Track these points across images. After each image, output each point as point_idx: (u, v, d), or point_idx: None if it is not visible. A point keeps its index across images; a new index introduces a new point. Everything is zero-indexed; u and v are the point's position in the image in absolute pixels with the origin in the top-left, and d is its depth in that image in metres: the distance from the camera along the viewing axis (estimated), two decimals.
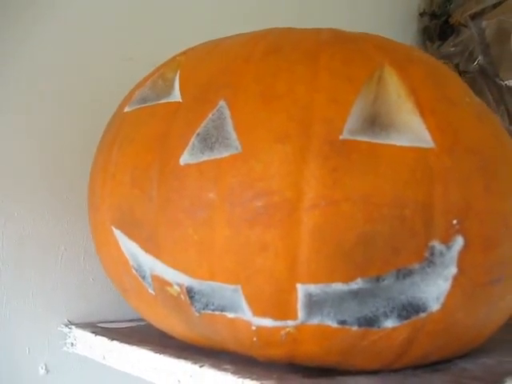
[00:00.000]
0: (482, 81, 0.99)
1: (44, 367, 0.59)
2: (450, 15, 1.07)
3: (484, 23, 1.02)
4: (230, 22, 0.75)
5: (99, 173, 0.46)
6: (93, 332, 0.57)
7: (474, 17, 1.04)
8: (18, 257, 0.57)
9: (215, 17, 0.74)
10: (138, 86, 0.48)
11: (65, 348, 0.59)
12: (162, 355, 0.47)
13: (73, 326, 0.59)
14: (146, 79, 0.48)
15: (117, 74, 0.64)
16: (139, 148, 0.41)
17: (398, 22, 1.07)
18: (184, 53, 0.47)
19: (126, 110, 0.46)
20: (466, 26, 1.05)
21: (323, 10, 0.88)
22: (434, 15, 1.11)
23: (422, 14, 1.13)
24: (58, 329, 0.60)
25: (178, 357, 0.46)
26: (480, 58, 1.01)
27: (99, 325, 0.61)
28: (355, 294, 0.36)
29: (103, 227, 0.45)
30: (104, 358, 0.54)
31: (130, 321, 0.62)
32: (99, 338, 0.55)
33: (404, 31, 1.06)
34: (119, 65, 0.65)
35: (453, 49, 1.04)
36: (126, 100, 0.48)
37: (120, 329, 0.59)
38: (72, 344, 0.59)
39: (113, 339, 0.54)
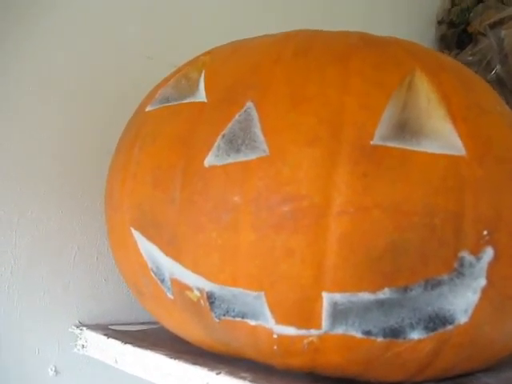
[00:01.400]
0: (499, 91, 0.98)
1: (54, 369, 0.58)
2: (469, 24, 1.07)
3: (503, 33, 1.02)
4: (249, 23, 0.74)
5: (119, 172, 0.45)
6: (105, 334, 0.56)
7: (492, 26, 1.03)
8: (30, 255, 0.56)
9: (235, 17, 0.73)
10: (160, 85, 0.47)
11: (75, 350, 0.58)
12: (177, 360, 0.46)
13: (84, 328, 0.58)
14: (168, 78, 0.47)
15: (135, 74, 0.64)
16: (162, 148, 0.41)
17: (416, 29, 1.06)
18: (208, 52, 0.46)
19: (148, 109, 0.45)
20: (484, 35, 1.04)
21: (339, 17, 0.88)
22: (452, 23, 1.11)
23: (440, 22, 1.12)
24: (69, 330, 0.59)
25: (194, 363, 0.45)
26: (498, 67, 1.00)
27: (111, 327, 0.60)
28: (381, 304, 0.35)
29: (121, 228, 0.44)
30: (116, 361, 0.53)
31: (142, 324, 0.61)
32: (112, 340, 0.54)
33: (422, 39, 1.05)
34: (138, 64, 0.65)
35: (470, 58, 1.03)
36: (148, 99, 0.47)
37: (132, 332, 0.59)
38: (83, 346, 0.58)
39: (126, 342, 0.53)
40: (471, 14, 1.09)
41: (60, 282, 0.59)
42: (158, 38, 0.66)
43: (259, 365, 0.42)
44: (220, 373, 0.42)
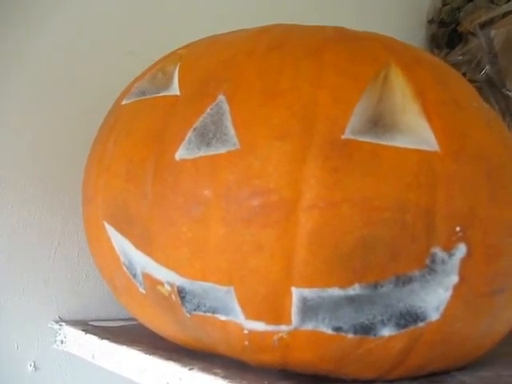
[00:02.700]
0: (488, 91, 0.98)
1: (33, 364, 0.58)
2: (459, 23, 1.06)
3: (493, 32, 1.01)
4: (233, 17, 0.73)
5: (94, 166, 0.45)
6: (83, 330, 0.56)
7: (483, 25, 1.02)
8: (9, 250, 0.56)
9: (217, 12, 0.72)
10: (138, 78, 0.47)
11: (54, 345, 0.58)
12: (151, 356, 0.46)
13: (63, 323, 0.58)
14: (145, 72, 0.46)
15: (116, 68, 0.63)
16: (135, 141, 0.40)
17: (406, 28, 1.05)
18: (186, 46, 0.46)
19: (124, 102, 0.45)
20: (474, 35, 1.04)
21: (329, 15, 0.87)
22: (442, 23, 1.11)
23: (430, 22, 1.12)
24: (49, 325, 0.58)
25: (168, 358, 0.45)
26: (487, 67, 1.00)
27: (91, 323, 0.60)
28: (352, 300, 0.35)
29: (95, 222, 0.44)
30: (93, 356, 0.53)
31: (123, 320, 0.61)
32: (89, 336, 0.54)
33: (412, 38, 1.05)
34: (119, 58, 0.64)
35: (460, 57, 1.03)
36: (125, 92, 0.46)
37: (111, 327, 0.58)
38: (62, 341, 0.58)
39: (103, 338, 0.52)
40: (461, 14, 1.09)
41: (40, 278, 0.58)
42: (138, 33, 0.66)
43: (234, 361, 0.42)
44: (192, 368, 0.42)
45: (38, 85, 0.58)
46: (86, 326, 0.57)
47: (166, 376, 0.44)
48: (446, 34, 1.11)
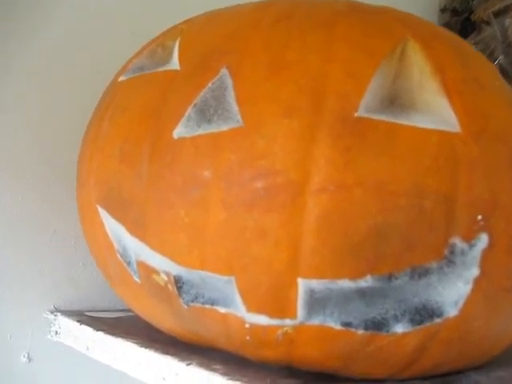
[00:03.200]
0: None
1: (27, 355, 0.56)
2: (472, 12, 1.04)
3: (507, 21, 0.99)
4: None
5: (88, 146, 0.42)
6: (78, 321, 0.54)
7: (497, 14, 1.00)
8: (4, 239, 0.54)
9: None
10: (136, 55, 0.44)
11: (49, 336, 0.56)
12: (147, 349, 0.44)
13: (58, 314, 0.56)
14: (144, 48, 0.44)
15: (119, 50, 0.60)
16: (131, 119, 0.37)
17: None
18: (187, 21, 0.43)
19: (121, 79, 0.42)
20: (488, 24, 1.02)
21: None
22: (455, 11, 1.09)
23: (442, 10, 1.09)
24: (43, 315, 0.56)
25: (165, 352, 0.42)
26: (501, 57, 0.97)
27: (87, 313, 0.58)
28: (363, 294, 0.32)
29: (88, 206, 0.41)
30: (88, 348, 0.51)
31: (121, 310, 0.59)
32: (84, 327, 0.52)
33: None
34: (121, 40, 0.61)
35: (473, 47, 1.00)
36: (123, 69, 0.44)
37: (108, 319, 0.57)
38: (56, 332, 0.56)
39: (98, 329, 0.51)
40: (474, 2, 1.06)
41: (35, 267, 0.56)
42: (142, 14, 0.63)
43: (234, 356, 0.39)
44: (190, 364, 0.39)
45: (37, 71, 0.57)
46: (82, 317, 0.55)
47: (162, 371, 0.42)
48: (459, 23, 1.08)
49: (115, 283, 0.43)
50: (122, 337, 0.47)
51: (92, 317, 0.56)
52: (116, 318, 0.57)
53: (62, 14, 0.58)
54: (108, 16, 0.61)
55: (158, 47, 0.42)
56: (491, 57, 0.96)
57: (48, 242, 0.57)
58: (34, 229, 0.56)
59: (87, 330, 0.51)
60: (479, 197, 0.33)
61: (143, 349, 0.44)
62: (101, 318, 0.56)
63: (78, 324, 0.53)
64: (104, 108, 0.42)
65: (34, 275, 0.56)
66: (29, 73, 0.56)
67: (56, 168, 0.57)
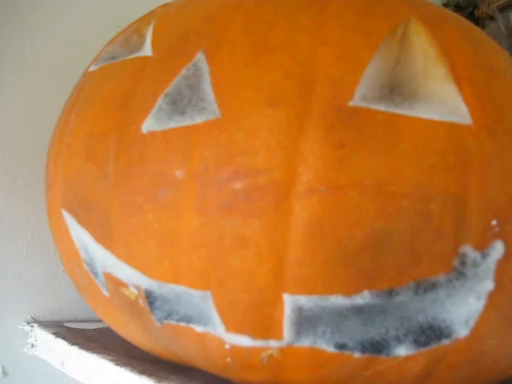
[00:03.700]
0: None
1: (1, 369, 0.53)
2: (476, 7, 1.02)
3: None
4: None
5: (55, 143, 0.38)
6: (54, 333, 0.50)
7: (502, 9, 0.99)
8: None
9: None
10: (109, 42, 0.40)
11: (25, 349, 0.52)
12: (122, 368, 0.40)
13: (35, 325, 0.53)
14: (118, 35, 0.39)
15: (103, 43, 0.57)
16: (98, 112, 0.33)
17: None
18: (164, 5, 0.39)
19: (92, 68, 0.38)
20: (492, 19, 1.00)
21: None
22: (458, 6, 1.07)
23: (445, 5, 1.07)
24: (19, 327, 0.53)
25: (142, 372, 0.39)
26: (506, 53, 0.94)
27: (66, 324, 0.55)
28: (360, 311, 0.28)
29: (54, 210, 0.37)
30: (63, 364, 0.47)
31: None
32: (59, 340, 0.49)
33: None
34: (107, 34, 0.58)
35: None
36: (95, 58, 0.39)
37: (87, 330, 0.54)
38: (32, 345, 0.53)
39: (73, 344, 0.47)
40: None
41: (11, 273, 0.53)
42: (126, 7, 0.60)
43: (217, 377, 0.35)
44: None
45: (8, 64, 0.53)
46: (60, 329, 0.52)
47: None
48: None
49: (85, 295, 0.39)
50: (97, 352, 0.43)
51: (71, 328, 0.53)
52: (96, 330, 0.54)
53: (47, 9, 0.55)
54: (92, 8, 0.59)
55: (133, 34, 0.38)
56: None
57: (25, 247, 0.54)
58: (9, 233, 0.53)
59: (62, 344, 0.47)
60: (494, 199, 0.28)
61: (118, 367, 0.40)
62: (80, 329, 0.53)
63: (54, 337, 0.49)
64: (73, 101, 0.38)
65: (10, 283, 0.53)
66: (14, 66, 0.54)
67: (33, 170, 0.54)
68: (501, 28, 0.98)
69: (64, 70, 0.56)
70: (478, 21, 1.00)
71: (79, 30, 0.58)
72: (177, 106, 0.30)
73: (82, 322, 0.56)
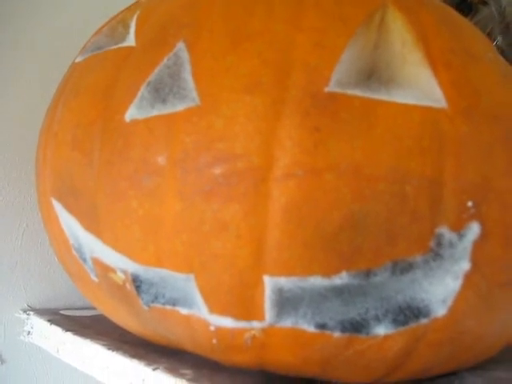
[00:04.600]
0: None
1: None
2: None
3: (504, 1, 0.96)
4: None
5: (44, 134, 0.38)
6: (49, 320, 0.51)
7: None
8: None
9: None
10: (95, 33, 0.40)
11: (21, 337, 0.53)
12: (114, 352, 0.40)
13: (31, 313, 0.53)
14: (103, 25, 0.40)
15: None
16: (83, 102, 0.34)
17: None
18: None
19: (78, 59, 0.38)
20: (485, 4, 0.99)
21: None
22: None
23: None
24: (15, 315, 0.54)
25: (133, 356, 0.39)
26: (499, 38, 0.93)
27: (62, 312, 0.55)
28: (339, 292, 0.29)
29: (44, 198, 0.37)
30: (58, 351, 0.48)
31: None
32: (54, 327, 0.49)
33: None
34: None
35: None
36: (81, 50, 0.40)
37: (82, 317, 0.54)
38: (29, 332, 0.54)
39: (67, 330, 0.47)
40: None
41: (6, 262, 0.53)
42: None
43: (207, 360, 0.35)
44: (157, 368, 0.36)
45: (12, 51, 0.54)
46: (55, 316, 0.52)
47: (129, 376, 0.39)
48: (455, 4, 1.04)
49: (76, 281, 0.39)
50: (90, 338, 0.44)
51: (66, 316, 0.53)
52: (91, 317, 0.54)
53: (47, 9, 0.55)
54: (96, 9, 0.58)
55: (119, 24, 0.38)
56: (489, 38, 0.93)
57: (20, 235, 0.54)
58: (4, 222, 0.53)
59: (57, 331, 0.48)
60: (469, 181, 0.29)
61: (110, 352, 0.41)
62: (75, 316, 0.53)
63: (49, 324, 0.50)
64: (60, 91, 0.38)
65: (5, 271, 0.53)
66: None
67: (28, 159, 0.54)
68: (493, 13, 0.97)
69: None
70: (470, 6, 0.99)
71: (80, 29, 0.57)
72: (159, 94, 0.30)
73: (77, 309, 0.56)
